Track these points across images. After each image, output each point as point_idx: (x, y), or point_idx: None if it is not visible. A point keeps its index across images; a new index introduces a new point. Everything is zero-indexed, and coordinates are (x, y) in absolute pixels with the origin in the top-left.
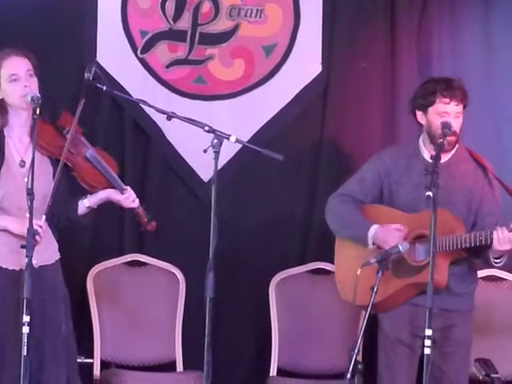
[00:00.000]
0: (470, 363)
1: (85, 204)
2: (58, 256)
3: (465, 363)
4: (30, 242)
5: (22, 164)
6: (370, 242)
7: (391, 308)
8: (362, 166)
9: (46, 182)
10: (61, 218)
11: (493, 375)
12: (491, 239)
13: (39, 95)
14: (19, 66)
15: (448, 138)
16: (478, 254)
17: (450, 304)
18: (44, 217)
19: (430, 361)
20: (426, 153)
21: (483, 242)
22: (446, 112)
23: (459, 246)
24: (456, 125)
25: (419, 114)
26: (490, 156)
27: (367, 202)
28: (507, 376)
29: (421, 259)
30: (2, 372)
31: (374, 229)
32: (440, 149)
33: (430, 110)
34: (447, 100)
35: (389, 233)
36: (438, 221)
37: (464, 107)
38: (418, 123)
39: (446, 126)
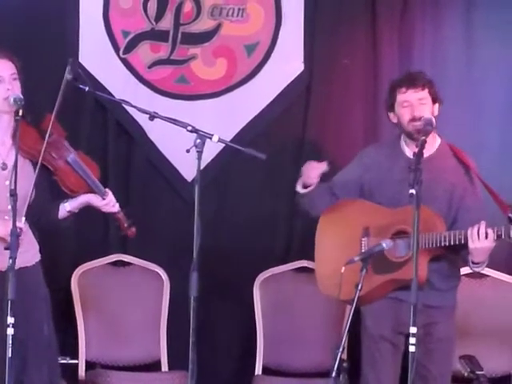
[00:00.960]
0: (453, 360)
1: (66, 208)
2: (38, 258)
3: (448, 360)
4: (13, 243)
5: (4, 167)
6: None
7: (371, 302)
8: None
9: (26, 185)
10: (41, 220)
11: (478, 372)
12: None
13: (22, 97)
14: (3, 68)
15: (416, 125)
16: (457, 252)
17: (433, 300)
18: (24, 218)
19: (415, 358)
20: (407, 150)
21: (462, 241)
22: (407, 101)
23: (438, 244)
24: (422, 112)
25: (391, 115)
26: (468, 148)
27: (343, 196)
28: (492, 373)
29: (401, 255)
30: None
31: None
32: (422, 146)
33: (396, 105)
34: (404, 89)
35: (309, 165)
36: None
37: (432, 96)
38: (394, 124)
39: (427, 122)
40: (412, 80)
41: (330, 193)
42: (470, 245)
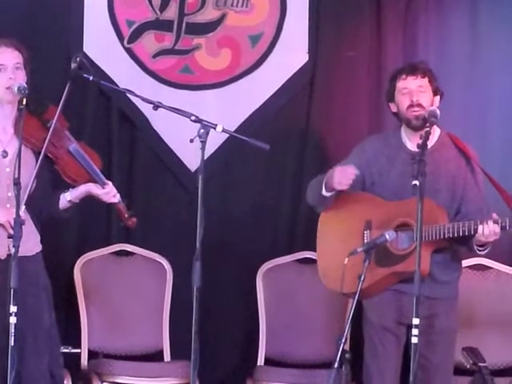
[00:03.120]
0: (454, 351)
1: (66, 198)
2: (39, 248)
3: (450, 351)
4: (17, 231)
5: (4, 155)
6: (323, 184)
7: (374, 294)
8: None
9: (28, 174)
10: (42, 210)
11: (480, 364)
12: (475, 230)
13: (26, 86)
14: (8, 57)
15: (415, 113)
16: (461, 242)
17: (434, 292)
18: (23, 207)
19: (418, 350)
20: (409, 142)
21: (466, 233)
22: (406, 87)
23: (442, 236)
24: (421, 99)
25: (392, 105)
26: (474, 141)
27: (347, 190)
28: (494, 365)
29: (404, 247)
30: None
31: (329, 172)
32: (427, 138)
33: (395, 94)
34: (404, 76)
35: (336, 168)
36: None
37: (432, 86)
38: (393, 114)
39: (431, 114)
40: (412, 68)
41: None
42: (482, 239)
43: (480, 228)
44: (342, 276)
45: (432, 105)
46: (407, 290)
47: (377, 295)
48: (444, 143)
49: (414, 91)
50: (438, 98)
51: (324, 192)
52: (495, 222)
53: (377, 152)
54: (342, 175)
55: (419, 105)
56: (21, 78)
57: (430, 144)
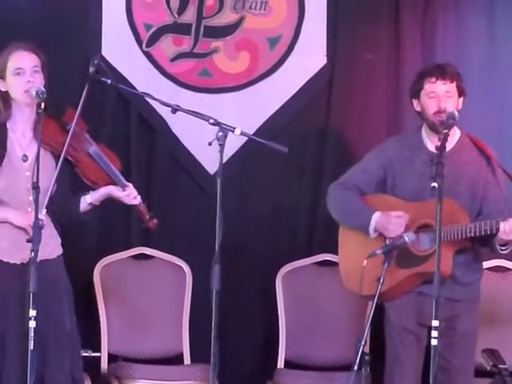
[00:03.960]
0: (475, 353)
1: (87, 200)
2: (60, 251)
3: (470, 353)
4: (35, 235)
5: (25, 159)
6: (371, 229)
7: (396, 297)
8: (364, 156)
9: (47, 177)
10: (63, 214)
11: (500, 366)
12: (497, 229)
13: (44, 90)
14: (25, 60)
15: (441, 117)
16: (483, 242)
17: (456, 294)
18: (45, 210)
19: (438, 352)
20: (429, 143)
21: (488, 232)
22: (434, 92)
23: (464, 236)
24: (448, 105)
25: (415, 102)
26: (492, 144)
27: (369, 192)
28: None
29: (425, 248)
30: (3, 367)
31: (376, 216)
32: (445, 139)
33: (422, 94)
34: (433, 79)
35: (390, 220)
36: (443, 210)
37: (458, 89)
38: (416, 112)
39: (450, 116)
40: (442, 71)
41: (359, 194)
42: (504, 237)
43: (502, 226)
44: (361, 278)
45: (457, 107)
46: (428, 292)
47: (398, 298)
48: (464, 145)
49: (442, 97)
50: (462, 99)
51: (372, 233)
52: None
53: (398, 153)
54: (398, 225)
55: (446, 111)
56: (39, 82)
57: (449, 146)
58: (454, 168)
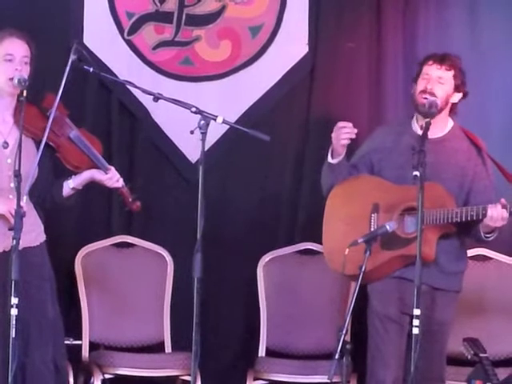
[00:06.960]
0: (447, 343)
1: (69, 185)
2: (43, 238)
3: (444, 343)
4: (17, 223)
5: (5, 145)
6: (329, 152)
7: (379, 278)
8: None
9: (29, 164)
10: (46, 199)
11: (481, 354)
12: (483, 215)
13: (26, 78)
14: (18, 48)
15: (424, 97)
16: (468, 229)
17: (438, 282)
18: (26, 197)
19: (419, 340)
20: (417, 126)
21: (474, 218)
22: (428, 74)
23: (450, 220)
24: (436, 89)
25: (414, 86)
26: (475, 131)
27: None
28: (495, 355)
29: (410, 231)
30: None
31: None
32: (427, 128)
33: (419, 77)
34: (431, 62)
35: (335, 130)
36: (430, 194)
37: (455, 81)
38: (411, 96)
39: (431, 104)
40: (442, 58)
41: (350, 167)
42: (490, 223)
43: (489, 211)
44: (343, 262)
45: (448, 99)
46: (412, 277)
47: (380, 280)
48: (456, 134)
49: (432, 79)
50: (458, 95)
51: (330, 159)
52: (504, 206)
53: (384, 139)
54: (337, 133)
55: (432, 93)
56: (26, 73)
57: (441, 133)
58: (441, 156)
